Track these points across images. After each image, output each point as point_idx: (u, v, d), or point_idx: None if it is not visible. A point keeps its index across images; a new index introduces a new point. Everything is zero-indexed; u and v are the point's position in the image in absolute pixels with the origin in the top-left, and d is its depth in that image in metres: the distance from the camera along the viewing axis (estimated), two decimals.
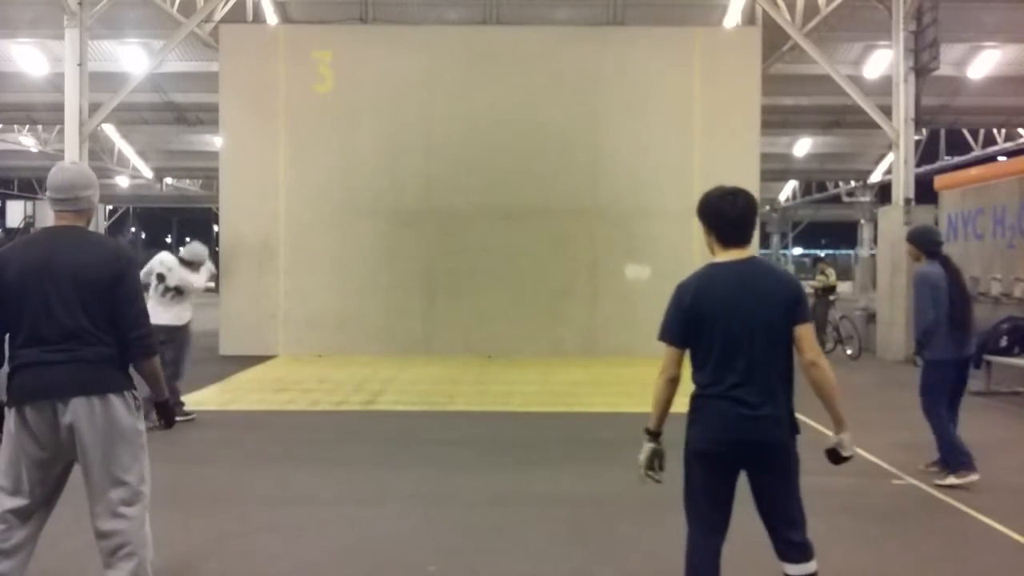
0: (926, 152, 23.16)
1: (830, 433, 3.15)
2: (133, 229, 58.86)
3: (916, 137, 13.69)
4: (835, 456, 3.13)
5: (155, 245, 62.09)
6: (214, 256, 8.15)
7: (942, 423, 5.80)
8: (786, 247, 44.90)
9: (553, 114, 13.45)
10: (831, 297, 14.47)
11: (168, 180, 30.95)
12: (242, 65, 13.63)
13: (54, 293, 3.12)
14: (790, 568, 3.10)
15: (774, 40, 15.02)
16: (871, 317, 14.14)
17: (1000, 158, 22.49)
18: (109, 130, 24.06)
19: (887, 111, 13.14)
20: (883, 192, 28.24)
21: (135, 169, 27.80)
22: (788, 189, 37.65)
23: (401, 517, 5.06)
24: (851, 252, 41.51)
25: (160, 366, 3.37)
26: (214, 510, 5.17)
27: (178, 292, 7.63)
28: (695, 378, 3.14)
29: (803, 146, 26.15)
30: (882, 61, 16.42)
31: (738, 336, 3.01)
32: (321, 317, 13.20)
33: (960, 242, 19.78)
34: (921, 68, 12.72)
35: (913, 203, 13.00)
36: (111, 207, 38.57)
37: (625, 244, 13.53)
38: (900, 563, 4.39)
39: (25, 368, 3.15)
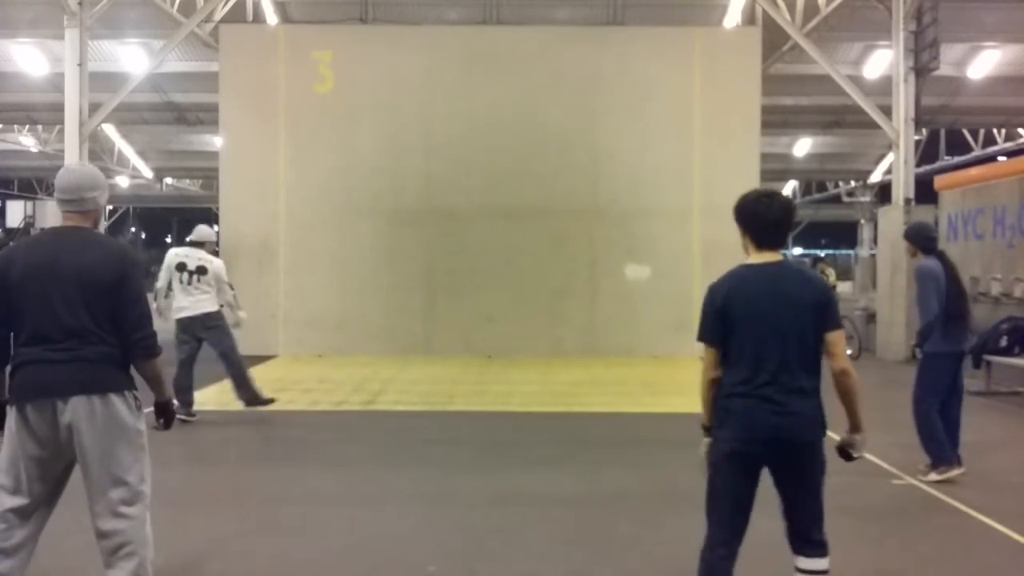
0: (926, 152, 23.16)
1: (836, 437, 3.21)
2: (133, 229, 58.85)
3: (916, 137, 13.70)
4: (846, 453, 3.21)
5: (155, 245, 62.06)
6: (215, 256, 8.15)
7: (928, 416, 5.86)
8: (786, 247, 44.88)
9: (553, 114, 13.45)
10: None
11: (168, 180, 30.97)
12: (242, 65, 13.63)
13: (57, 292, 3.14)
14: (803, 562, 3.14)
15: (774, 40, 15.02)
16: (871, 317, 14.14)
17: (1000, 158, 22.49)
18: (109, 130, 24.05)
19: (887, 111, 13.14)
20: (883, 192, 28.23)
21: (135, 169, 27.80)
22: (788, 189, 37.62)
23: (401, 517, 5.06)
24: (851, 252, 41.50)
25: (160, 368, 3.35)
26: (214, 510, 5.17)
27: (201, 272, 7.62)
28: (724, 378, 3.13)
29: (803, 146, 26.14)
30: (882, 61, 16.42)
31: (768, 337, 3.04)
32: (321, 317, 13.20)
33: (960, 242, 19.78)
34: (921, 68, 12.72)
35: (913, 203, 13.01)
36: (111, 207, 38.56)
37: (625, 244, 13.53)
38: (900, 563, 4.39)
39: (26, 366, 3.16)
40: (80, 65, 12.95)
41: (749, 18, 15.73)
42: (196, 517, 4.96)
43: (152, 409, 3.46)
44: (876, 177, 28.56)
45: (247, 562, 4.32)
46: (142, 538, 3.26)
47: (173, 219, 57.60)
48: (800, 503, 3.14)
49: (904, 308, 12.76)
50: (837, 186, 33.52)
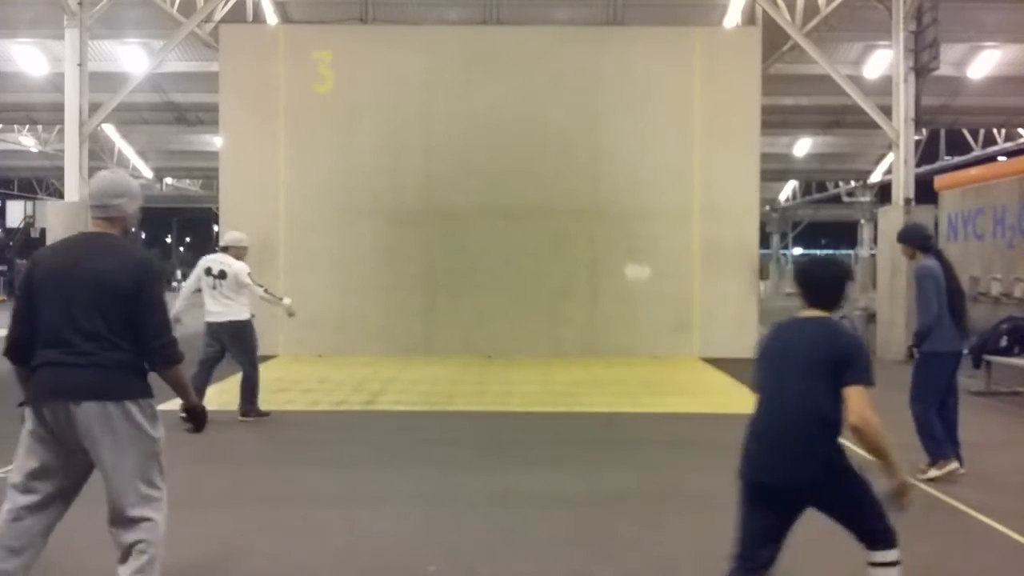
0: (926, 152, 23.17)
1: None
2: (133, 229, 58.85)
3: (916, 137, 13.70)
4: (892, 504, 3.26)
5: (155, 245, 62.07)
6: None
7: (927, 415, 5.90)
8: (786, 247, 44.90)
9: (553, 114, 13.45)
10: None
11: (168, 180, 30.96)
12: (242, 65, 13.63)
13: (75, 297, 3.15)
14: (869, 555, 3.31)
15: (774, 40, 15.02)
16: (871, 317, 14.14)
17: (1000, 158, 22.50)
18: (109, 130, 24.07)
19: (887, 111, 13.14)
20: (883, 192, 28.25)
21: (135, 169, 27.79)
22: (788, 189, 37.66)
23: (401, 517, 5.06)
24: (851, 252, 41.50)
25: (183, 374, 3.34)
26: (214, 510, 5.17)
27: (222, 276, 7.64)
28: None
29: (803, 146, 26.15)
30: (882, 61, 16.42)
31: (776, 384, 3.16)
32: (321, 317, 13.19)
33: (960, 242, 19.79)
34: (921, 68, 12.72)
35: (913, 203, 12.99)
36: None
37: (625, 244, 13.53)
38: (901, 563, 4.39)
39: (44, 368, 3.18)
40: (80, 65, 12.96)
41: (749, 18, 15.73)
42: (196, 517, 4.95)
43: (183, 414, 3.53)
44: (876, 177, 28.57)
45: (247, 562, 4.32)
46: (155, 538, 3.28)
47: (173, 219, 57.60)
48: (842, 523, 3.28)
49: (904, 308, 12.75)
50: (837, 186, 33.52)
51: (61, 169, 13.50)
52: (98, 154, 24.38)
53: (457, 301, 13.45)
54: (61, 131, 14.27)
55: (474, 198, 13.45)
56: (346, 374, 11.13)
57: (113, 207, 3.31)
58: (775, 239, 42.15)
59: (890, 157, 18.05)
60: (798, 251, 48.21)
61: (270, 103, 13.48)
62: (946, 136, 24.64)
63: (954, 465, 5.86)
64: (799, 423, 3.08)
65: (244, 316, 7.74)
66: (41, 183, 35.15)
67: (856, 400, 3.08)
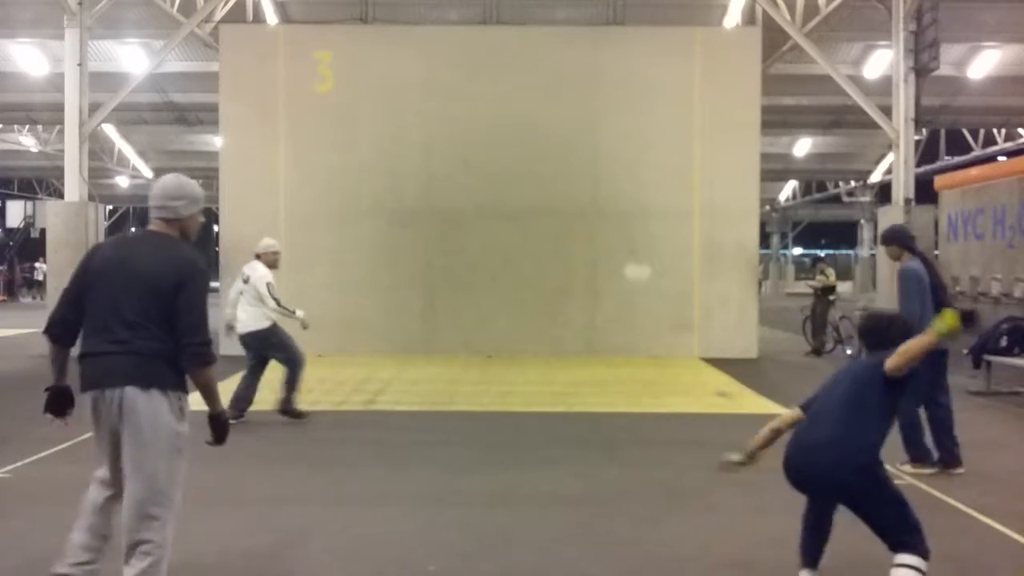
0: (926, 152, 23.18)
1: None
2: (133, 229, 58.87)
3: (916, 137, 13.69)
4: None
5: None
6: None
7: (913, 412, 6.05)
8: (786, 247, 44.91)
9: (553, 114, 13.45)
10: (831, 297, 14.47)
11: None
12: (242, 65, 13.63)
13: (121, 289, 3.29)
14: (895, 558, 3.54)
15: (774, 40, 15.01)
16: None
17: (1000, 158, 22.51)
18: (109, 130, 24.06)
19: (887, 111, 13.14)
20: (883, 192, 28.25)
21: (135, 169, 27.80)
22: (788, 189, 37.67)
23: (401, 517, 5.06)
24: (851, 252, 41.51)
25: (211, 378, 3.38)
26: (214, 510, 5.16)
27: (246, 282, 7.71)
28: None
29: (803, 146, 26.15)
30: (882, 61, 16.42)
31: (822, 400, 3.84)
32: (321, 317, 13.12)
33: (960, 242, 19.81)
34: (921, 68, 12.71)
35: (913, 203, 12.98)
36: (111, 207, 38.60)
37: (625, 244, 13.53)
38: None
39: (87, 357, 3.35)
40: (80, 65, 12.95)
41: (749, 18, 15.73)
42: (196, 517, 4.94)
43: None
44: (876, 177, 28.57)
45: (247, 562, 4.33)
46: (162, 540, 3.30)
47: None
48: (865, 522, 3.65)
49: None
50: (837, 186, 33.53)
51: (61, 169, 13.50)
52: (98, 154, 24.40)
53: (457, 301, 13.45)
54: (61, 131, 14.27)
55: (474, 198, 13.45)
56: (346, 374, 11.13)
57: (169, 208, 3.44)
58: (775, 239, 42.14)
59: (890, 157, 18.07)
60: (798, 251, 48.23)
61: (270, 103, 13.47)
62: (946, 136, 24.65)
63: (932, 469, 6.02)
64: (849, 425, 3.67)
65: (264, 324, 7.71)
66: (41, 183, 35.16)
67: (896, 357, 3.64)
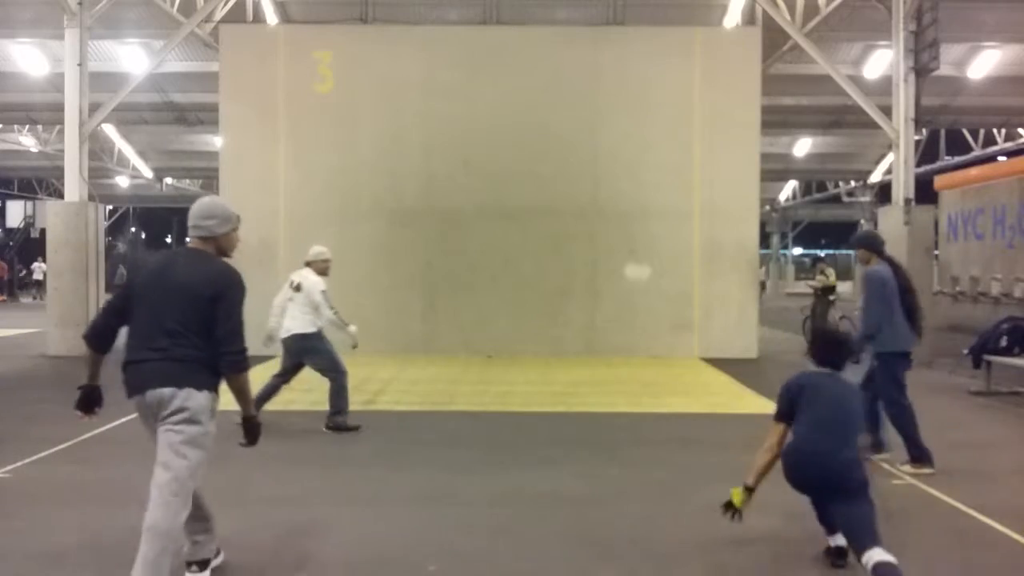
0: (926, 152, 23.17)
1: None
2: (133, 229, 58.81)
3: (916, 137, 13.68)
4: None
5: (155, 245, 62.07)
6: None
7: (905, 413, 6.13)
8: (786, 247, 44.90)
9: (553, 114, 13.46)
10: (831, 297, 14.48)
11: (168, 180, 30.96)
12: (242, 65, 13.63)
13: (162, 300, 3.56)
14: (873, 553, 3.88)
15: (774, 40, 15.01)
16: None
17: (1000, 158, 22.51)
18: (109, 130, 24.06)
19: (887, 111, 13.13)
20: (883, 192, 28.23)
21: (135, 169, 27.80)
22: (788, 189, 37.66)
23: (401, 517, 5.06)
24: (851, 252, 41.53)
25: (246, 383, 3.68)
26: (214, 510, 5.15)
27: (298, 289, 7.63)
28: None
29: (803, 146, 26.14)
30: (882, 61, 16.42)
31: (819, 416, 4.20)
32: None
33: (960, 242, 19.81)
34: (921, 68, 12.70)
35: (913, 203, 12.98)
36: (111, 207, 38.59)
37: (625, 244, 13.53)
38: (900, 563, 4.39)
39: (130, 366, 3.61)
40: (80, 65, 12.95)
41: (749, 18, 15.73)
42: None
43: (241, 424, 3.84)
44: (876, 177, 28.56)
45: (247, 562, 4.33)
46: (171, 527, 3.49)
47: (173, 219, 57.54)
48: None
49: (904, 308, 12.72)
50: (837, 186, 33.51)
51: (61, 169, 13.50)
52: (98, 154, 24.39)
53: (457, 301, 13.45)
54: (61, 131, 14.26)
55: (474, 198, 13.46)
56: None
57: (203, 227, 3.73)
58: (775, 239, 42.14)
59: (890, 157, 18.06)
60: (798, 251, 48.23)
61: (270, 103, 13.48)
62: (946, 136, 24.63)
63: (930, 469, 6.06)
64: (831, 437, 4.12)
65: (311, 329, 7.62)
66: (41, 183, 35.14)
67: None
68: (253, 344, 3.83)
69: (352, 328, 7.91)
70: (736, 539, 4.70)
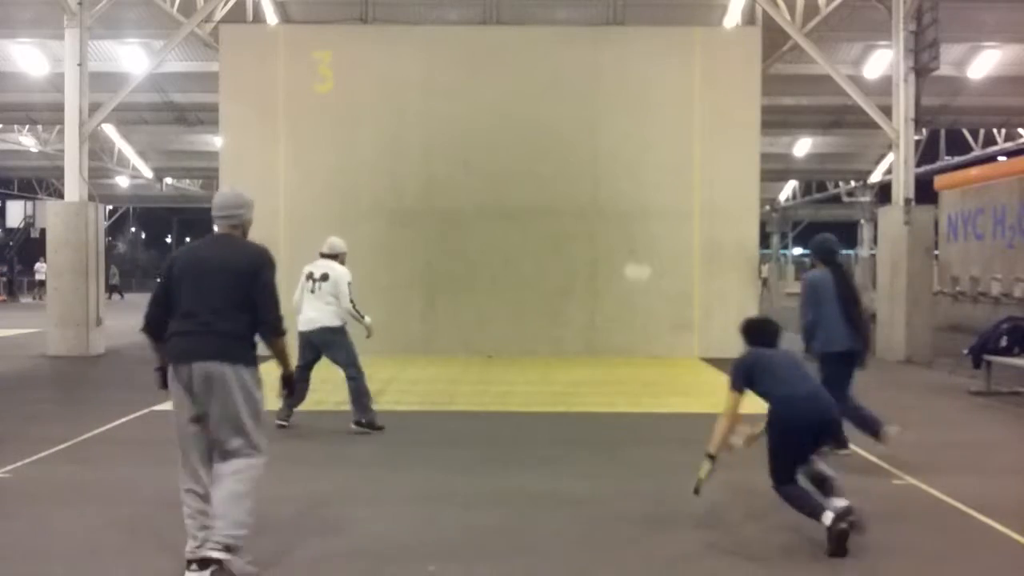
0: (926, 152, 23.15)
1: None
2: (133, 229, 58.83)
3: (916, 137, 13.69)
4: None
5: (155, 245, 62.07)
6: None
7: (849, 406, 6.30)
8: (786, 247, 44.90)
9: (553, 114, 13.46)
10: None
11: (168, 180, 30.96)
12: (242, 65, 13.64)
13: (205, 280, 4.01)
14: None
15: (774, 40, 15.01)
16: (871, 317, 14.14)
17: (1000, 158, 22.51)
18: (109, 130, 24.05)
19: (887, 111, 13.14)
20: (883, 192, 28.21)
21: (135, 169, 27.79)
22: (788, 189, 37.64)
23: (401, 517, 5.06)
24: (851, 252, 41.54)
25: (284, 346, 4.18)
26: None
27: (324, 279, 7.57)
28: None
29: (803, 146, 26.13)
30: (882, 61, 16.41)
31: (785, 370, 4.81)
32: None
33: (960, 242, 19.80)
34: (921, 68, 12.71)
35: (913, 203, 12.99)
36: (111, 207, 38.57)
37: (625, 244, 13.53)
38: (900, 563, 4.39)
39: (175, 337, 4.00)
40: (80, 65, 12.95)
41: (749, 18, 15.73)
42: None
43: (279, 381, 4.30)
44: (876, 177, 28.55)
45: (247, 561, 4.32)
46: (251, 472, 4.06)
47: (173, 219, 57.57)
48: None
49: (904, 308, 12.75)
50: (837, 186, 33.50)
51: (61, 169, 13.50)
52: (98, 154, 24.38)
53: (457, 301, 13.46)
54: (61, 131, 14.27)
55: (474, 198, 13.46)
56: None
57: (236, 216, 4.23)
58: (775, 239, 42.12)
59: (890, 157, 18.06)
60: (798, 251, 48.21)
61: (270, 103, 13.48)
62: (946, 136, 24.62)
63: (893, 429, 6.37)
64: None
65: (336, 323, 7.62)
66: (41, 183, 35.14)
67: None
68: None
69: (368, 320, 7.96)
70: (737, 539, 4.70)
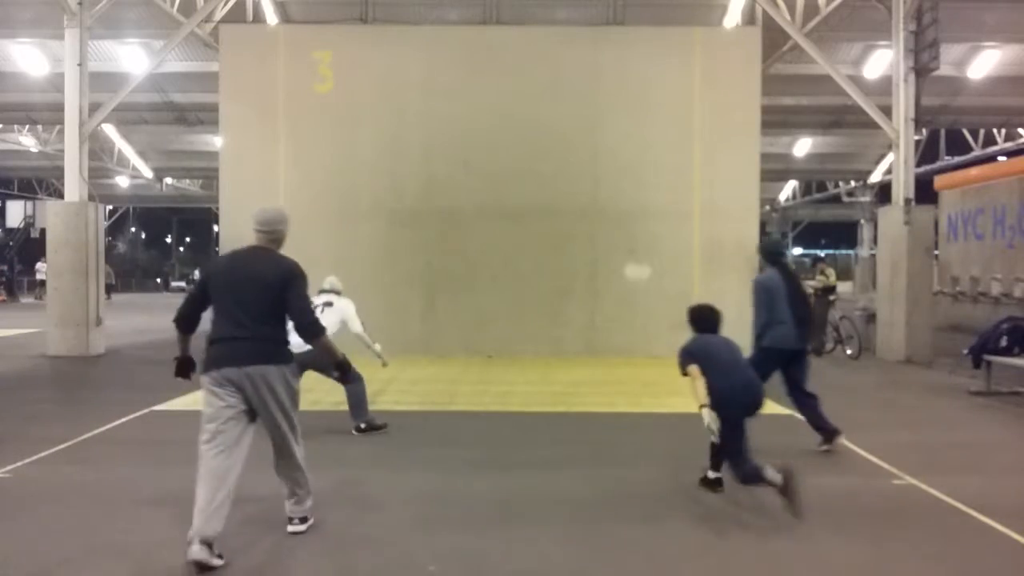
0: (926, 152, 23.18)
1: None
2: (133, 229, 58.80)
3: (916, 137, 13.69)
4: None
5: (155, 245, 62.06)
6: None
7: (808, 402, 6.67)
8: (786, 247, 44.92)
9: (553, 114, 13.46)
10: (831, 297, 14.47)
11: (168, 180, 30.98)
12: (242, 65, 13.64)
13: (242, 289, 4.39)
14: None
15: (774, 40, 15.02)
16: (871, 317, 14.15)
17: (1000, 158, 22.53)
18: (109, 130, 24.07)
19: (887, 111, 13.14)
20: (883, 192, 28.25)
21: (135, 169, 27.81)
22: (788, 189, 37.68)
23: (401, 517, 5.06)
24: (851, 252, 41.54)
25: (328, 340, 4.71)
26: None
27: (328, 305, 7.83)
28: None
29: (803, 146, 26.15)
30: (882, 61, 16.42)
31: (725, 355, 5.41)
32: None
33: (960, 242, 19.79)
34: (921, 68, 12.71)
35: (913, 203, 12.99)
36: (111, 207, 38.59)
37: (625, 244, 13.54)
38: (900, 563, 4.39)
39: (219, 342, 4.36)
40: (80, 65, 12.96)
41: (749, 18, 15.74)
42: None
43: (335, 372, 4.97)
44: (876, 177, 28.59)
45: (247, 561, 4.32)
46: (304, 477, 4.78)
47: (173, 219, 57.60)
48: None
49: (904, 308, 12.75)
50: (837, 186, 33.55)
51: (61, 169, 13.50)
52: (98, 154, 24.41)
53: (457, 301, 13.46)
54: (61, 131, 14.27)
55: (474, 198, 13.46)
56: None
57: (276, 231, 4.63)
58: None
59: (890, 157, 18.07)
60: (798, 251, 48.23)
61: (270, 103, 13.48)
62: (946, 136, 24.64)
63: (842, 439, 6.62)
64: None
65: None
66: (41, 183, 35.16)
67: None
68: None
69: (377, 347, 8.11)
70: (737, 539, 4.70)
